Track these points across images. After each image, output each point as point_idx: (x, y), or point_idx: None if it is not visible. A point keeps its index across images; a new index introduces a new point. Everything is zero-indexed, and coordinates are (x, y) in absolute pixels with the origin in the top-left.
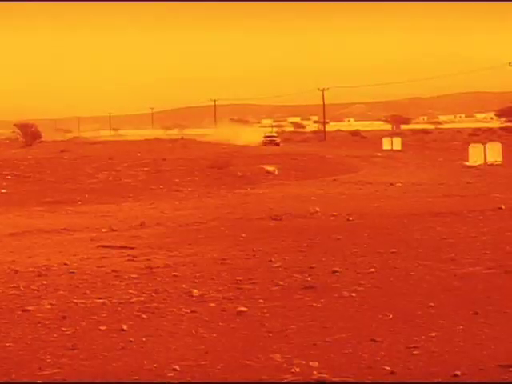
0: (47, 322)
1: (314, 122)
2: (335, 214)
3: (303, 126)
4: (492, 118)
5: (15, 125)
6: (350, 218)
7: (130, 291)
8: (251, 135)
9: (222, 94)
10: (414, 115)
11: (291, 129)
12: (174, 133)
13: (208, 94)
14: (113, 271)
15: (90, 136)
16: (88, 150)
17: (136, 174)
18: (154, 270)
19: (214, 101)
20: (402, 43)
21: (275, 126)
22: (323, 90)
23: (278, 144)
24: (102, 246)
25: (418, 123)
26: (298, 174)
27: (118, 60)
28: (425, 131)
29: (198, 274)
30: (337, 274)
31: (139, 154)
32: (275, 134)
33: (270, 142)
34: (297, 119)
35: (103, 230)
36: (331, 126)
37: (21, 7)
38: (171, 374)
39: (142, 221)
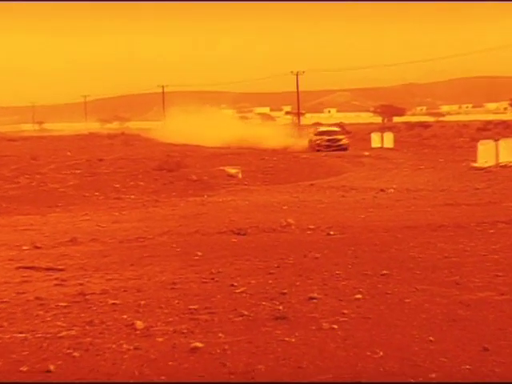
0: None
1: (287, 113)
2: (312, 227)
3: (273, 119)
4: (506, 109)
5: None
6: (331, 233)
7: (59, 323)
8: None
9: (174, 79)
10: (410, 105)
11: (258, 121)
12: (114, 126)
13: (156, 79)
14: (36, 298)
15: (9, 131)
16: (6, 147)
17: (66, 178)
18: (87, 296)
19: (163, 87)
20: (392, 21)
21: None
22: (298, 75)
23: (345, 148)
24: (23, 267)
25: (414, 115)
26: (267, 178)
27: (43, 40)
28: (423, 125)
29: (142, 302)
30: (314, 301)
31: (69, 153)
32: (337, 129)
33: (329, 144)
34: (265, 110)
35: (24, 248)
36: (308, 119)
37: None
38: None
39: (72, 236)
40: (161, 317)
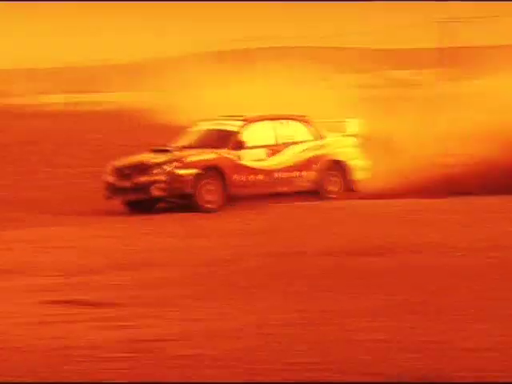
0: None
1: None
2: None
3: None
4: None
5: None
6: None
7: None
8: None
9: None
10: None
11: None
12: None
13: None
14: (66, 347)
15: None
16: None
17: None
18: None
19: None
20: None
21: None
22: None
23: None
24: (50, 301)
25: None
26: None
27: None
28: None
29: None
30: None
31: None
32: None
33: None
34: (403, 74)
35: (51, 275)
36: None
37: None
38: None
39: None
40: None
